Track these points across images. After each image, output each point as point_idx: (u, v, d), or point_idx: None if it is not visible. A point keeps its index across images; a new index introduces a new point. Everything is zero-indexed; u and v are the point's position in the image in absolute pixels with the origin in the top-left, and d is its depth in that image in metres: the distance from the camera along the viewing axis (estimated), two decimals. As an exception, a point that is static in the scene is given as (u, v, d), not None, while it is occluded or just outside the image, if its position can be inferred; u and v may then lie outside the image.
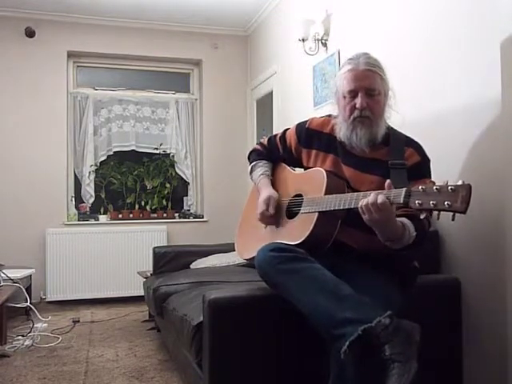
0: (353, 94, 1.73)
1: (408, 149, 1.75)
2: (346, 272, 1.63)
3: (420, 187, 1.36)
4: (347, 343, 1.35)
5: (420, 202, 1.35)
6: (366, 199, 1.49)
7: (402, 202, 1.40)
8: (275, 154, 2.07)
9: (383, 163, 1.71)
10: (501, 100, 1.88)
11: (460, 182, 1.30)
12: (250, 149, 2.21)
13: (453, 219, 1.30)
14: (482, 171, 1.99)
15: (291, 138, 1.99)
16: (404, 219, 1.61)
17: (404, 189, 1.41)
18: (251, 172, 2.12)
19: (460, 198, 1.28)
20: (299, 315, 1.57)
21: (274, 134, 2.15)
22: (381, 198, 1.45)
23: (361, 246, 1.72)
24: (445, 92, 2.21)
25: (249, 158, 2.17)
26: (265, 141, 2.14)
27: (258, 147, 2.14)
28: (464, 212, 1.28)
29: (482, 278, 1.99)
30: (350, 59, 1.78)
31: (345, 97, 1.76)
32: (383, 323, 1.36)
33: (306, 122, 1.97)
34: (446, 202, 1.29)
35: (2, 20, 4.37)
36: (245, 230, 2.13)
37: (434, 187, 1.33)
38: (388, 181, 1.48)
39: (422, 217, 1.38)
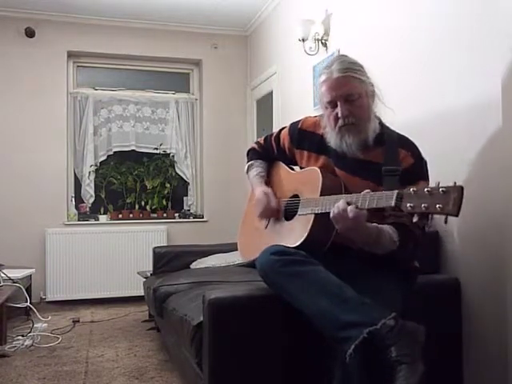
0: (332, 103, 1.71)
1: (401, 150, 1.71)
2: (347, 274, 1.62)
3: (411, 189, 1.33)
4: (353, 346, 1.35)
5: (412, 204, 1.32)
6: (334, 209, 1.51)
7: (393, 204, 1.37)
8: (271, 153, 2.07)
9: (376, 166, 1.67)
10: (501, 100, 1.88)
11: (451, 184, 1.27)
12: (249, 147, 2.22)
13: (445, 222, 1.27)
14: (482, 171, 1.99)
15: (284, 138, 1.99)
16: (385, 226, 1.59)
17: (396, 191, 1.38)
18: (247, 172, 2.13)
19: (452, 200, 1.24)
20: (299, 315, 1.57)
21: (270, 133, 2.15)
22: (350, 208, 1.47)
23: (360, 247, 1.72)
24: (446, 92, 2.21)
25: (247, 156, 2.18)
26: (261, 140, 2.14)
27: (255, 146, 2.15)
28: (456, 215, 1.24)
29: (482, 278, 1.99)
30: (325, 68, 1.75)
31: (326, 107, 1.74)
32: (388, 325, 1.36)
33: (299, 122, 1.95)
34: (437, 205, 1.26)
35: (1, 20, 4.37)
36: (246, 230, 2.13)
37: (426, 189, 1.29)
38: (366, 191, 1.50)
39: (414, 220, 1.34)
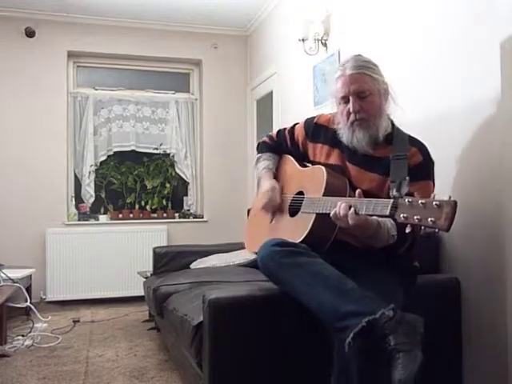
0: (345, 99, 1.77)
1: (412, 148, 1.75)
2: (348, 270, 1.63)
3: (406, 200, 1.34)
4: (351, 335, 1.36)
5: (405, 215, 1.33)
6: (335, 210, 1.54)
7: (388, 213, 1.39)
8: (283, 147, 2.11)
9: (386, 160, 1.73)
10: (500, 100, 1.88)
11: (446, 198, 1.27)
12: (260, 140, 2.26)
13: (436, 234, 1.28)
14: (481, 171, 1.99)
15: (299, 132, 2.04)
16: (386, 219, 1.60)
17: (391, 200, 1.39)
18: (256, 164, 2.17)
19: (444, 214, 1.24)
20: (299, 315, 1.57)
21: (283, 127, 2.18)
22: (350, 214, 1.49)
23: (362, 244, 1.72)
24: (444, 92, 2.21)
25: (257, 149, 2.22)
26: (274, 134, 2.18)
27: (267, 140, 2.19)
28: (446, 230, 1.25)
29: (482, 278, 1.99)
30: (340, 65, 1.82)
31: (340, 103, 1.80)
32: (387, 315, 1.38)
33: (315, 117, 2.01)
34: (429, 219, 1.26)
35: (1, 20, 4.37)
36: (252, 224, 2.18)
37: (420, 201, 1.30)
38: (358, 190, 1.54)
39: (407, 230, 1.35)
